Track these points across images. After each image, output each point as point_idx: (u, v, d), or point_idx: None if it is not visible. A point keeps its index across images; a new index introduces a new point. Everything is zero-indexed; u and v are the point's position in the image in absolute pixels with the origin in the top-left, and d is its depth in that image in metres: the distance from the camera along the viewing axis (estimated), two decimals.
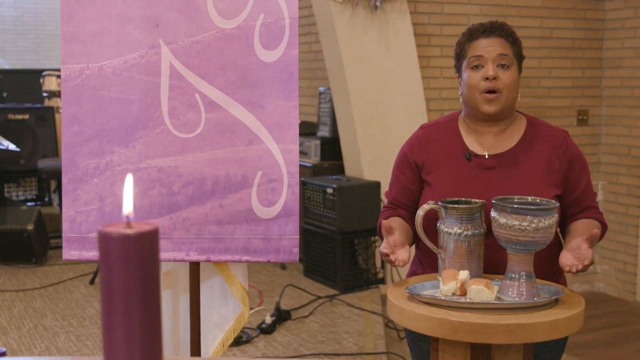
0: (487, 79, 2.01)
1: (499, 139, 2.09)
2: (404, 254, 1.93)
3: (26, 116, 6.16)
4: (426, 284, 1.87)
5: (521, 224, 1.74)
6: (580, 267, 1.84)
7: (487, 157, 2.07)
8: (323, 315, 4.08)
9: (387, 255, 1.90)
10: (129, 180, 0.84)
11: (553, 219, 1.76)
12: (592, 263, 1.86)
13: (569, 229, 2.07)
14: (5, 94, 7.30)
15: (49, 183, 6.76)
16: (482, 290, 1.75)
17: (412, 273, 2.19)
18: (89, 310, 4.16)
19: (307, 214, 4.74)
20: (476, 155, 2.08)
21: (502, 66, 2.02)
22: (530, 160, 2.06)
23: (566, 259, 1.87)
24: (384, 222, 1.93)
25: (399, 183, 2.17)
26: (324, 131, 5.04)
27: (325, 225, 4.57)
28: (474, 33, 2.06)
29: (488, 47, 2.03)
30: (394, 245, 1.92)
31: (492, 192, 1.99)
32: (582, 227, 2.02)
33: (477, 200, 1.94)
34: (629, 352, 4.23)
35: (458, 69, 2.12)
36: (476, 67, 2.03)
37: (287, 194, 2.30)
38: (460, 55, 2.09)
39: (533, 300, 1.75)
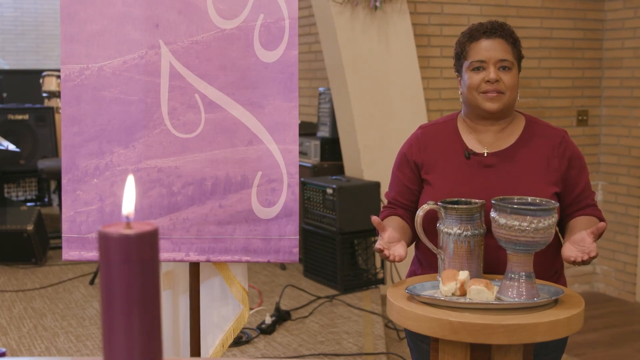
0: (488, 81, 2.02)
1: (498, 138, 2.10)
2: (400, 250, 1.92)
3: (26, 116, 6.16)
4: (426, 285, 1.87)
5: (521, 224, 1.74)
6: (585, 257, 1.82)
7: (486, 155, 2.08)
8: (323, 316, 4.08)
9: (381, 250, 1.90)
10: (130, 181, 0.84)
11: (553, 219, 1.76)
12: (595, 256, 1.84)
13: (569, 225, 2.07)
14: (5, 95, 7.30)
15: (48, 183, 6.76)
16: (481, 291, 1.75)
17: (412, 273, 2.19)
18: (89, 311, 4.16)
19: (307, 214, 4.74)
20: (475, 154, 2.09)
21: (503, 68, 2.03)
22: (529, 157, 2.07)
23: (570, 251, 1.86)
24: (373, 218, 1.93)
25: (399, 183, 2.18)
26: (324, 131, 5.04)
27: (325, 226, 4.57)
28: (475, 33, 2.06)
29: (490, 51, 2.03)
30: (388, 241, 1.92)
31: (491, 190, 2.00)
32: (584, 223, 2.02)
33: (476, 200, 1.94)
34: (628, 352, 4.23)
35: (458, 68, 2.12)
36: (477, 69, 2.04)
37: (287, 194, 2.30)
38: (460, 56, 2.10)
39: (533, 300, 1.75)
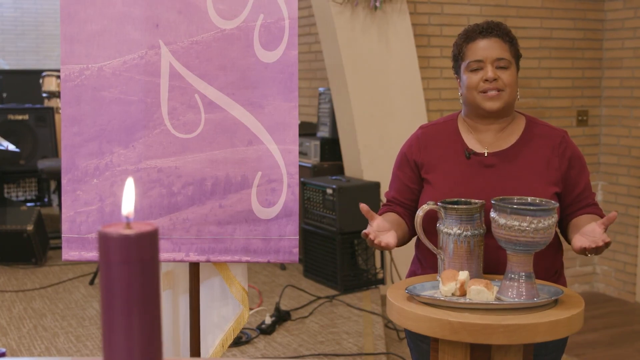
0: (486, 80, 2.02)
1: (498, 137, 2.10)
2: (388, 238, 1.93)
3: (26, 117, 6.16)
4: (426, 285, 1.87)
5: (521, 224, 1.74)
6: (600, 243, 1.79)
7: (486, 155, 2.08)
8: (323, 316, 4.08)
9: (366, 235, 1.90)
10: (130, 184, 0.84)
11: (553, 219, 1.76)
12: (609, 242, 1.81)
13: (572, 223, 2.06)
14: (5, 95, 7.29)
15: (48, 183, 6.76)
16: (481, 291, 1.75)
17: (411, 273, 2.19)
18: (89, 311, 4.16)
19: (307, 214, 4.74)
20: (475, 153, 2.09)
21: (501, 67, 2.03)
22: (530, 157, 2.07)
23: (580, 241, 1.84)
24: (361, 205, 1.93)
25: (399, 181, 2.18)
26: (324, 132, 5.04)
27: (325, 226, 4.57)
28: (471, 34, 2.07)
29: (486, 50, 2.03)
30: (377, 229, 1.93)
31: (491, 190, 2.00)
32: (589, 219, 2.00)
33: (476, 200, 1.94)
34: (629, 352, 4.23)
35: (456, 70, 2.13)
36: (475, 69, 2.04)
37: (287, 195, 2.30)
38: (458, 57, 2.10)
39: (533, 300, 1.75)
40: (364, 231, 1.92)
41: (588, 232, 1.85)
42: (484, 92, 2.03)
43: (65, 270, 4.97)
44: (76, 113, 2.26)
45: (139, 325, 0.77)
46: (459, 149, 2.11)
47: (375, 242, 1.91)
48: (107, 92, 2.25)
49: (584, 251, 1.84)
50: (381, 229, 1.94)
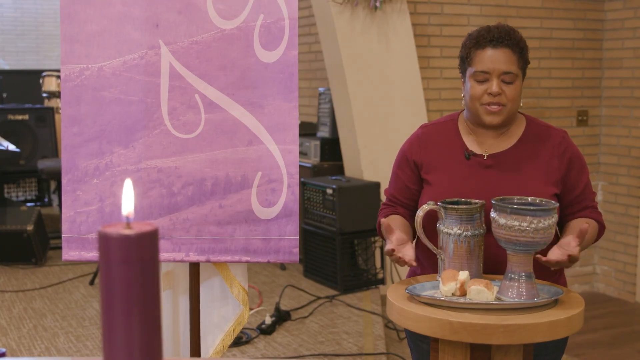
0: (490, 94, 2.00)
1: (499, 139, 2.10)
2: (409, 251, 1.92)
3: (26, 117, 6.16)
4: (426, 285, 1.87)
5: (521, 224, 1.74)
6: (564, 258, 1.82)
7: (485, 157, 2.08)
8: (323, 316, 4.08)
9: (392, 251, 1.89)
10: (128, 185, 0.84)
11: (553, 219, 1.76)
12: (576, 260, 1.84)
13: (565, 227, 2.07)
14: (5, 95, 7.30)
15: (48, 183, 6.76)
16: (481, 291, 1.75)
17: (412, 273, 2.19)
18: (89, 311, 4.16)
19: (307, 214, 4.74)
20: (475, 155, 2.08)
21: (507, 81, 2.02)
22: (529, 159, 2.07)
23: (554, 254, 1.86)
24: (383, 220, 1.92)
25: (399, 181, 2.18)
26: (324, 132, 5.04)
27: (325, 226, 4.57)
28: (481, 41, 2.03)
29: (494, 62, 2.00)
30: (397, 243, 1.92)
31: (491, 191, 2.00)
32: (578, 225, 2.01)
33: (476, 200, 1.94)
34: (629, 353, 4.23)
35: (462, 71, 2.10)
36: (481, 80, 2.02)
37: (287, 195, 2.30)
38: (465, 60, 2.07)
39: (533, 300, 1.75)
40: (388, 248, 1.90)
41: (564, 244, 1.86)
42: (487, 104, 2.02)
43: (65, 270, 4.97)
44: (76, 113, 2.26)
45: (139, 325, 0.77)
46: (459, 150, 2.10)
47: (402, 259, 1.89)
48: (107, 92, 2.25)
49: (553, 264, 1.85)
50: (400, 242, 1.93)
